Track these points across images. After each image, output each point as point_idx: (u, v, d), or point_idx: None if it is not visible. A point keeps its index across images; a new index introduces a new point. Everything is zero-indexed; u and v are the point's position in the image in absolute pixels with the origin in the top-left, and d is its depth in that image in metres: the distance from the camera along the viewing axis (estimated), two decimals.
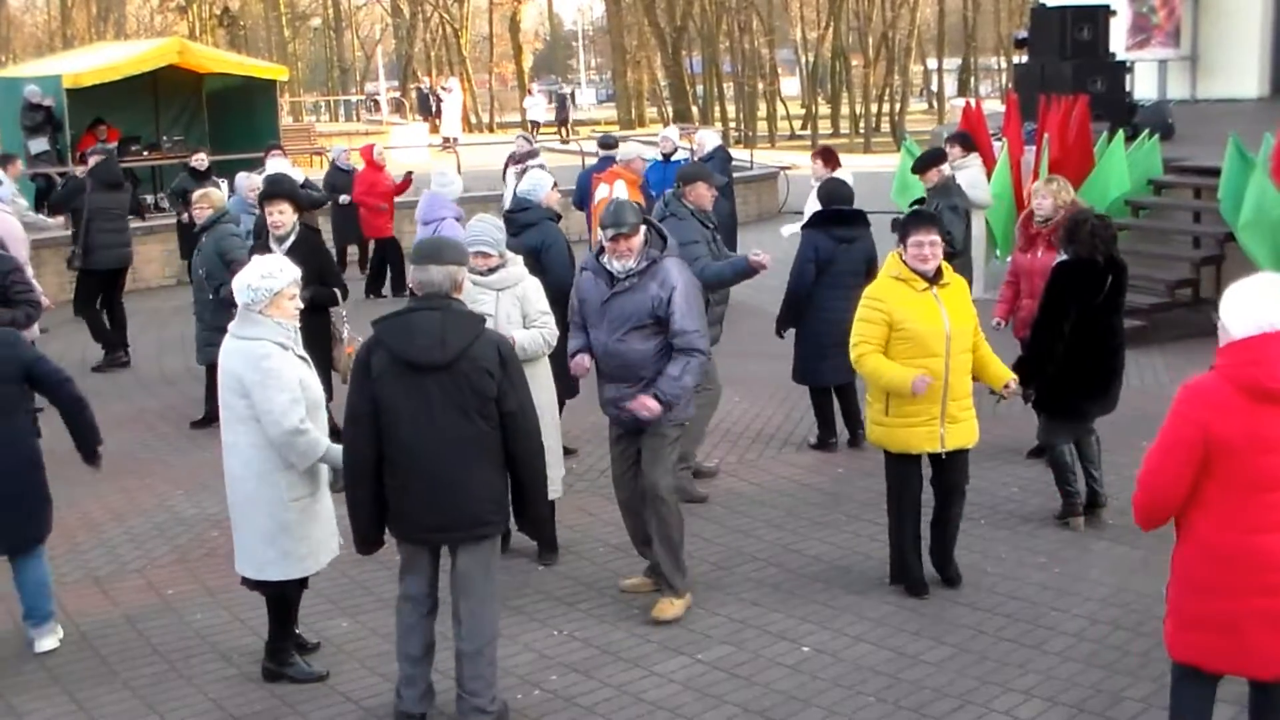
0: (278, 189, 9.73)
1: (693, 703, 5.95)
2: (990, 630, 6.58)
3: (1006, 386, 7.08)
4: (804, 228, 9.57)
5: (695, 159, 14.69)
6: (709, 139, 15.50)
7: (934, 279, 6.81)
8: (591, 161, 16.63)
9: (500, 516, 5.67)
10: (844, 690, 6.01)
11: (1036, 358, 7.73)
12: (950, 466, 7.04)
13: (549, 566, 7.59)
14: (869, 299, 6.89)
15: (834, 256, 9.18)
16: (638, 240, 6.58)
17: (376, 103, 51.41)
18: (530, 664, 6.36)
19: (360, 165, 16.93)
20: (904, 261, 6.83)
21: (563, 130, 44.03)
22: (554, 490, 7.53)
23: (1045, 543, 7.67)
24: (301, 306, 6.05)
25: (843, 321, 9.22)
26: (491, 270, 7.26)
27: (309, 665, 6.29)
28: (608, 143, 15.57)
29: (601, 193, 11.92)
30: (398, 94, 55.23)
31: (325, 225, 15.56)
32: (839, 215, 9.36)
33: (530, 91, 47.38)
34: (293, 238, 9.26)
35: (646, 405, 6.54)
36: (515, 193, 9.80)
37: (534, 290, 7.39)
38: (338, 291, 9.46)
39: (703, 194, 8.65)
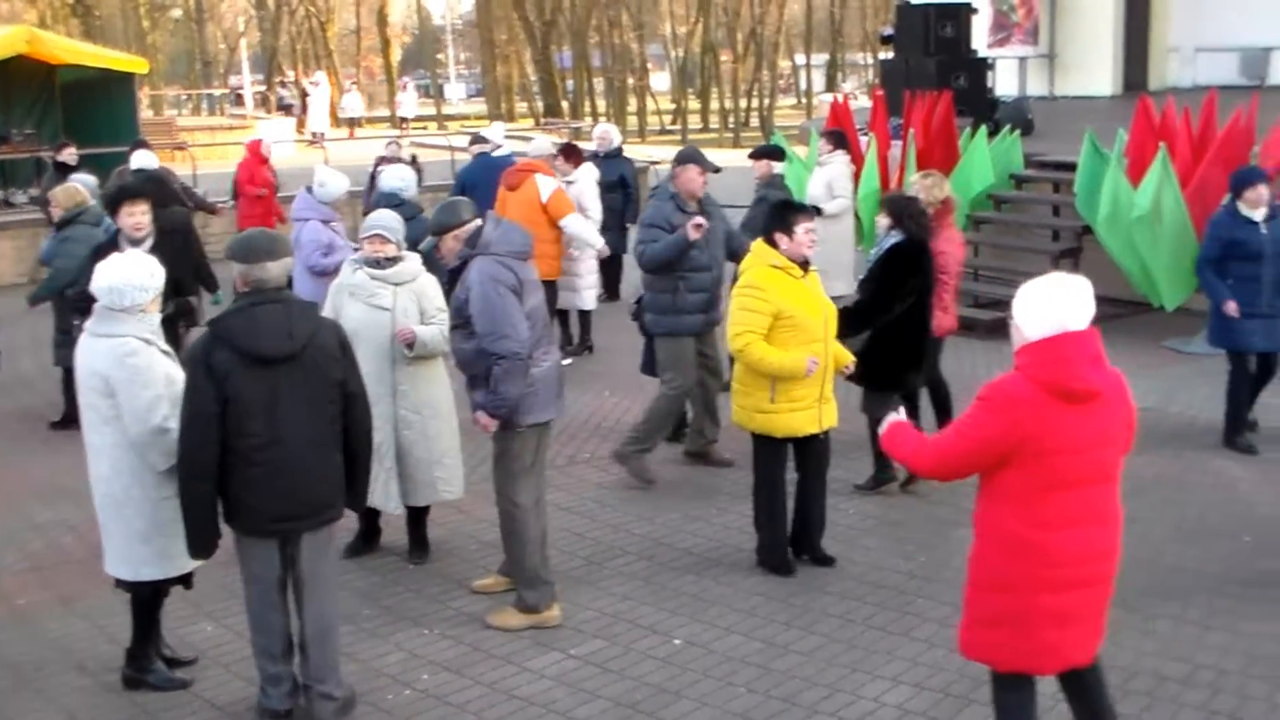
0: (139, 190, 9.37)
1: (565, 698, 5.92)
2: (859, 619, 6.65)
3: (847, 367, 7.29)
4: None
5: (600, 155, 14.63)
6: (612, 135, 15.44)
7: (805, 266, 6.97)
8: (464, 158, 16.37)
9: (342, 500, 5.67)
10: (715, 682, 6.03)
11: (859, 335, 7.89)
12: (821, 445, 7.23)
13: (420, 564, 7.51)
14: (750, 288, 6.92)
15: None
16: (451, 241, 6.47)
17: (240, 97, 50.38)
18: (401, 663, 6.28)
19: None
20: (781, 250, 6.89)
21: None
22: (455, 491, 7.47)
23: (911, 532, 7.78)
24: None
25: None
26: (390, 261, 7.15)
27: (170, 672, 6.13)
28: (483, 137, 15.43)
29: (548, 186, 11.74)
30: (263, 88, 54.23)
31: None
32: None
33: (402, 87, 46.35)
34: (150, 240, 8.83)
35: (480, 422, 6.52)
36: (382, 188, 9.67)
37: (431, 287, 7.30)
38: (192, 300, 9.18)
39: (691, 178, 8.64)
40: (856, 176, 13.59)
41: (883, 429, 4.96)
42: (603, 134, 15.50)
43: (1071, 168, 13.21)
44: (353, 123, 39.49)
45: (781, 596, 6.95)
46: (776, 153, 11.25)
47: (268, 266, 5.42)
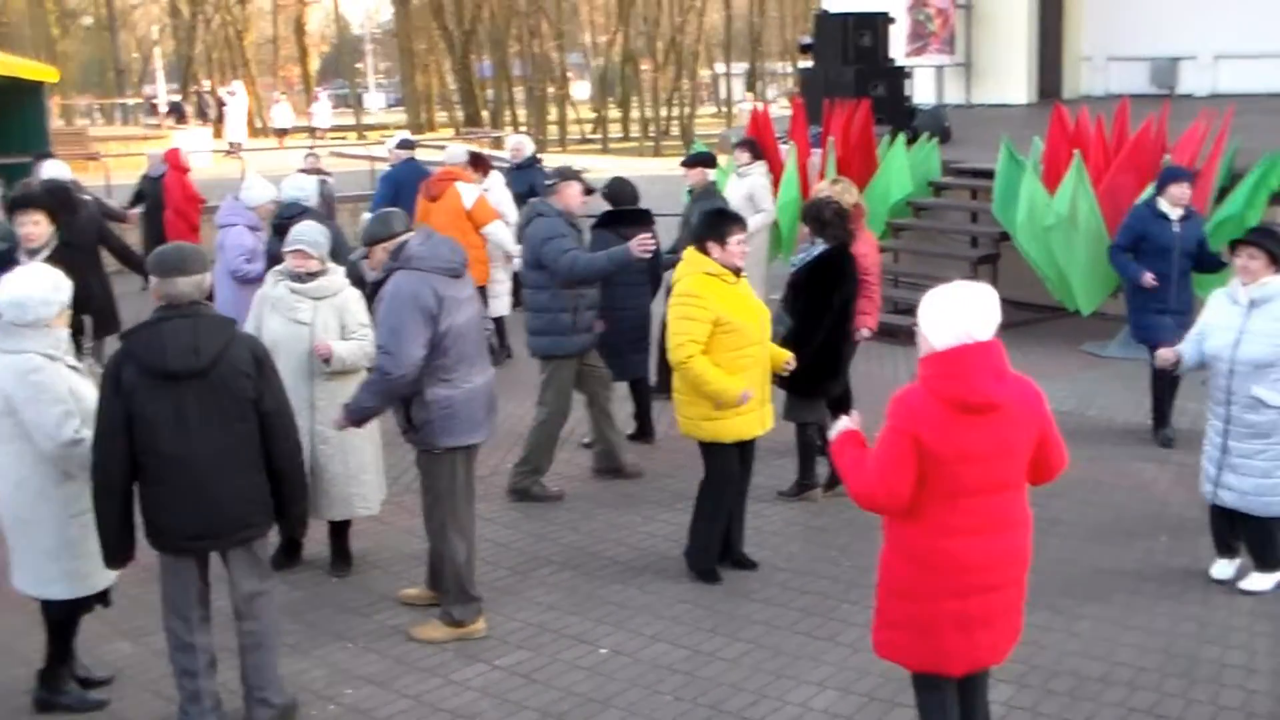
0: (30, 199, 9.15)
1: (491, 709, 5.88)
2: (784, 625, 6.67)
3: (786, 364, 7.34)
4: (592, 228, 9.60)
5: (513, 165, 14.61)
6: (525, 145, 15.40)
7: (737, 274, 7.02)
8: (382, 166, 16.24)
9: (264, 518, 5.58)
10: (642, 690, 6.03)
11: (802, 347, 7.91)
12: (751, 449, 7.32)
13: (342, 578, 7.43)
14: (689, 297, 6.90)
15: None
16: (380, 253, 6.43)
17: (155, 106, 49.66)
18: (324, 679, 6.21)
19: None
20: (714, 259, 6.93)
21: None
22: (371, 507, 7.39)
23: (836, 537, 7.82)
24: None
25: (635, 319, 9.43)
26: (311, 276, 7.06)
27: (85, 692, 6.01)
28: (408, 144, 15.30)
29: (471, 193, 11.67)
30: (179, 97, 53.50)
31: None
32: (625, 214, 9.46)
33: (315, 97, 45.85)
34: (47, 251, 8.57)
35: (335, 420, 6.55)
36: (282, 199, 9.52)
37: (354, 301, 7.20)
38: (86, 319, 8.99)
39: (572, 195, 8.60)
40: (775, 185, 13.65)
41: (833, 434, 4.94)
42: (516, 145, 15.50)
43: (989, 175, 13.37)
44: (281, 133, 39.07)
45: (707, 603, 6.96)
46: (709, 159, 11.21)
47: (177, 282, 5.33)
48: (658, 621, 6.75)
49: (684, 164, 11.18)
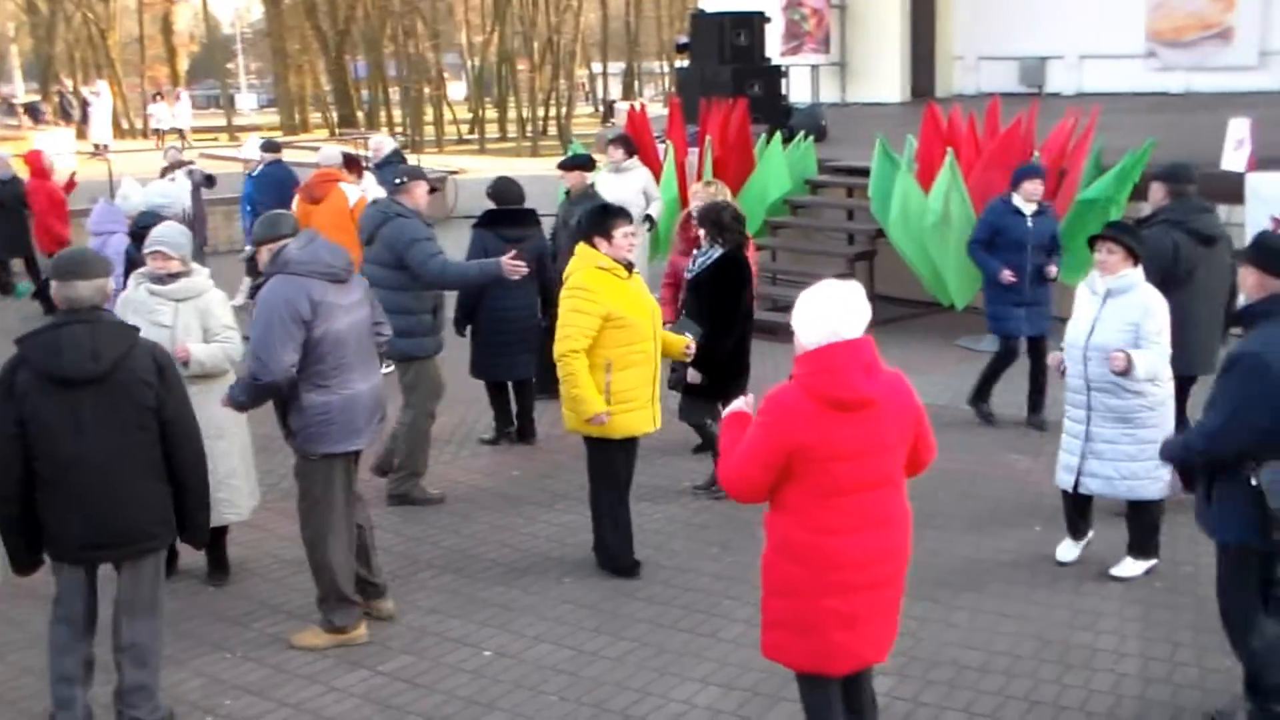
0: None
1: (375, 716, 5.82)
2: (667, 622, 6.69)
3: (688, 348, 7.43)
4: (474, 226, 9.56)
5: (372, 164, 14.44)
6: (385, 144, 15.26)
7: (630, 269, 7.04)
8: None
9: (165, 530, 5.49)
10: (526, 691, 6.00)
11: (716, 349, 8.00)
12: (635, 446, 7.33)
13: (220, 587, 7.29)
14: (581, 290, 6.90)
15: (502, 255, 9.22)
16: (265, 254, 6.39)
17: (13, 106, 48.17)
18: (202, 689, 6.08)
19: (21, 173, 15.88)
20: (603, 253, 6.94)
21: None
22: (241, 513, 7.25)
23: (717, 534, 7.85)
24: None
25: (518, 318, 9.41)
26: (172, 277, 6.90)
27: None
28: (273, 146, 15.07)
29: (354, 194, 11.52)
30: (38, 97, 52.00)
31: None
32: (508, 214, 9.43)
33: (175, 97, 44.03)
34: None
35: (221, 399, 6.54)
36: (143, 206, 9.31)
37: (218, 304, 7.03)
38: None
39: (420, 195, 8.50)
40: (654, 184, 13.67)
41: (726, 411, 4.96)
42: (376, 144, 15.40)
43: (864, 173, 13.54)
44: (160, 134, 38.14)
45: (590, 603, 6.95)
46: (587, 162, 11.21)
47: (77, 286, 5.24)
48: (541, 622, 6.73)
49: (561, 166, 11.16)
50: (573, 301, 6.91)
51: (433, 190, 8.96)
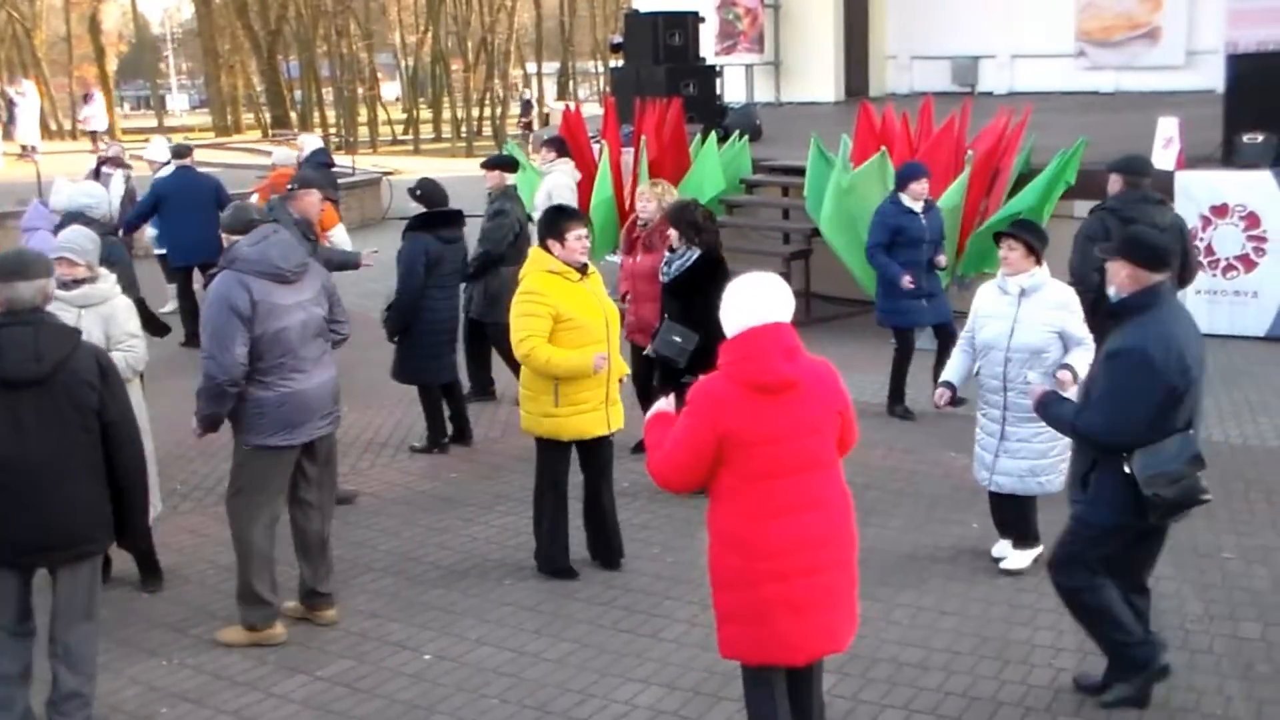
0: None
1: None
2: (608, 623, 6.68)
3: (620, 380, 7.35)
4: (408, 230, 9.49)
5: (297, 164, 14.30)
6: (309, 142, 15.16)
7: (583, 271, 7.00)
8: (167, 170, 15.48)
9: (103, 534, 5.44)
10: (467, 694, 5.97)
11: (711, 350, 7.95)
12: (606, 447, 7.30)
13: (155, 593, 7.20)
14: (530, 294, 6.91)
15: (442, 257, 9.24)
16: (227, 242, 6.41)
17: None
18: (138, 698, 6.00)
19: None
20: (556, 255, 6.92)
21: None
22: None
23: (658, 534, 7.85)
24: None
25: (451, 320, 9.39)
26: (76, 283, 6.78)
27: None
28: (182, 151, 14.74)
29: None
30: None
31: None
32: (444, 216, 9.40)
33: (89, 98, 42.91)
34: None
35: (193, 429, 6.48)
36: (68, 207, 9.15)
37: (123, 310, 6.91)
38: None
39: (313, 202, 8.38)
40: (590, 183, 13.66)
41: (648, 415, 5.01)
42: (301, 143, 15.28)
43: (799, 172, 13.60)
44: (94, 135, 37.46)
45: (530, 605, 6.93)
46: (509, 163, 11.21)
47: (18, 286, 5.20)
48: (482, 625, 6.70)
49: (483, 166, 11.15)
50: (523, 306, 6.93)
51: (334, 201, 8.81)
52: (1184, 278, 8.67)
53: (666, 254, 8.37)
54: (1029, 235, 6.89)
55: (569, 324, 6.86)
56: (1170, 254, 5.48)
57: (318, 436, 6.52)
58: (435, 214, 9.40)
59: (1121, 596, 5.57)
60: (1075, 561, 5.55)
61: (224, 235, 6.45)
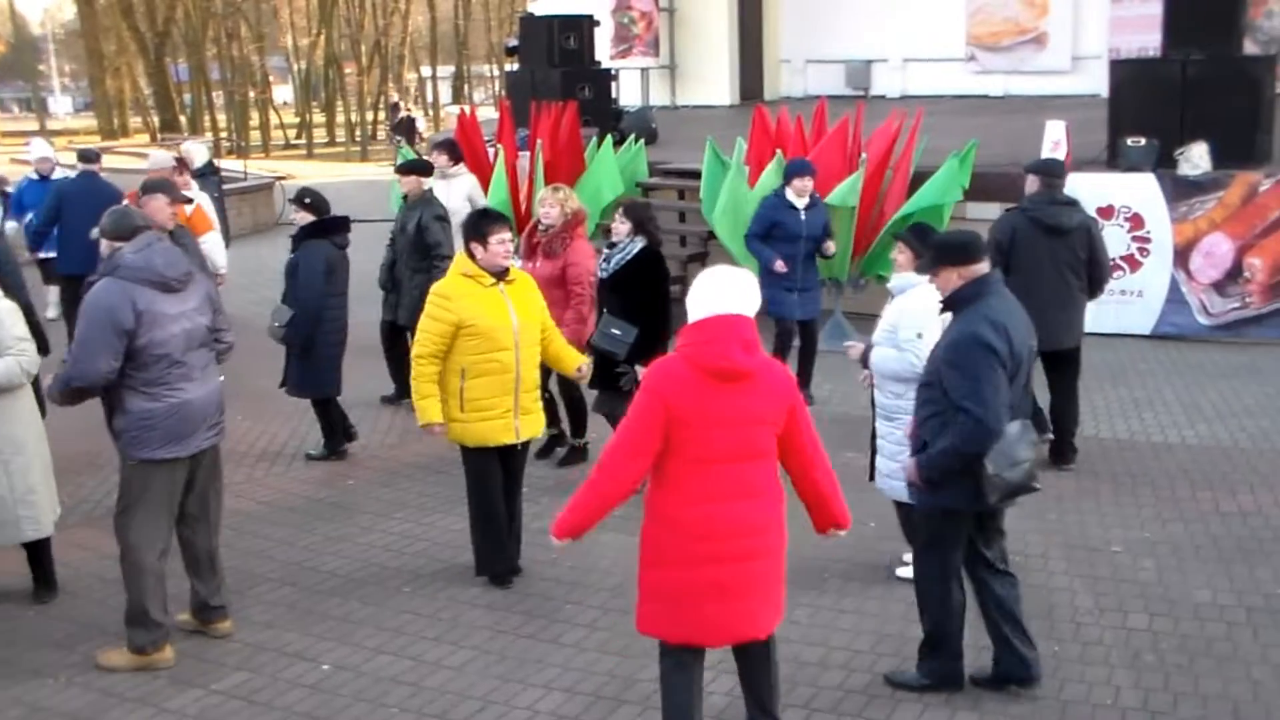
0: None
1: None
2: (508, 629, 6.65)
3: (579, 370, 7.49)
4: (301, 239, 9.37)
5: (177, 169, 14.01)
6: (197, 151, 14.82)
7: (502, 276, 6.93)
8: (69, 173, 15.20)
9: None
10: (367, 704, 5.90)
11: (654, 342, 8.13)
12: (516, 457, 7.25)
13: (46, 603, 7.03)
14: (438, 296, 6.89)
15: (338, 264, 9.16)
16: (105, 248, 6.24)
17: None
18: (22, 718, 5.84)
19: None
20: (477, 260, 6.88)
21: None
22: (42, 529, 6.98)
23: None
24: None
25: (345, 330, 9.31)
26: None
27: None
28: (89, 156, 14.44)
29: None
30: None
31: None
32: (338, 223, 9.32)
33: None
34: None
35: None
36: None
37: (8, 315, 6.75)
38: None
39: (160, 208, 8.23)
40: (484, 187, 13.58)
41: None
42: (187, 151, 15.05)
43: (695, 175, 13.66)
44: None
45: (429, 612, 6.87)
46: (424, 167, 11.11)
47: None
48: (381, 633, 6.63)
49: (398, 170, 11.08)
50: (428, 308, 6.92)
51: (187, 201, 8.68)
52: (1096, 277, 8.87)
53: (605, 250, 8.50)
54: (915, 240, 6.91)
55: (470, 330, 6.81)
56: (980, 243, 5.73)
57: (204, 448, 6.37)
58: (330, 221, 9.31)
59: (986, 587, 5.79)
60: (924, 546, 5.79)
61: (104, 242, 6.23)
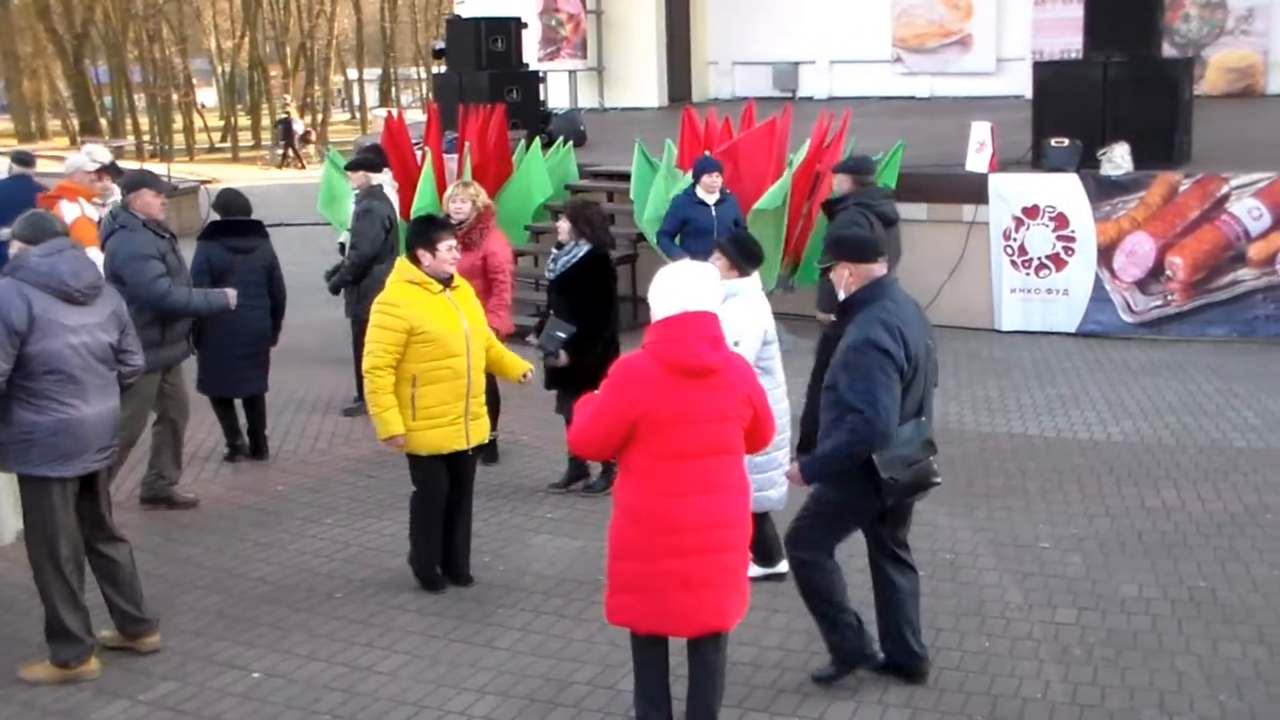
0: None
1: None
2: (441, 633, 6.61)
3: (525, 376, 7.43)
4: (199, 239, 9.31)
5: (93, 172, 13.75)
6: (97, 153, 14.46)
7: (448, 282, 6.91)
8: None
9: None
10: (298, 712, 5.84)
11: (595, 344, 8.17)
12: (465, 462, 7.18)
13: None
14: (386, 304, 6.81)
15: (230, 267, 9.03)
16: (14, 247, 6.11)
17: None
18: None
19: None
20: (424, 267, 6.84)
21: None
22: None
23: (488, 542, 7.79)
24: None
25: (248, 331, 9.16)
26: None
27: None
28: (24, 159, 14.10)
29: (70, 212, 10.87)
30: None
31: None
32: (235, 226, 9.22)
33: None
34: None
35: None
36: None
37: None
38: None
39: (149, 201, 8.14)
40: (411, 190, 13.50)
41: (583, 399, 5.13)
42: (87, 152, 14.76)
43: (625, 177, 13.67)
44: None
45: (362, 618, 6.82)
46: (372, 163, 11.01)
47: None
48: (312, 640, 6.57)
49: (347, 168, 11.04)
50: (377, 317, 6.84)
51: (173, 190, 8.62)
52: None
53: (553, 250, 8.55)
54: (732, 249, 6.75)
55: (423, 337, 6.75)
56: (878, 244, 5.83)
57: (94, 469, 6.14)
58: (222, 223, 9.23)
59: (885, 576, 5.88)
60: (810, 538, 5.79)
61: (14, 243, 6.08)
